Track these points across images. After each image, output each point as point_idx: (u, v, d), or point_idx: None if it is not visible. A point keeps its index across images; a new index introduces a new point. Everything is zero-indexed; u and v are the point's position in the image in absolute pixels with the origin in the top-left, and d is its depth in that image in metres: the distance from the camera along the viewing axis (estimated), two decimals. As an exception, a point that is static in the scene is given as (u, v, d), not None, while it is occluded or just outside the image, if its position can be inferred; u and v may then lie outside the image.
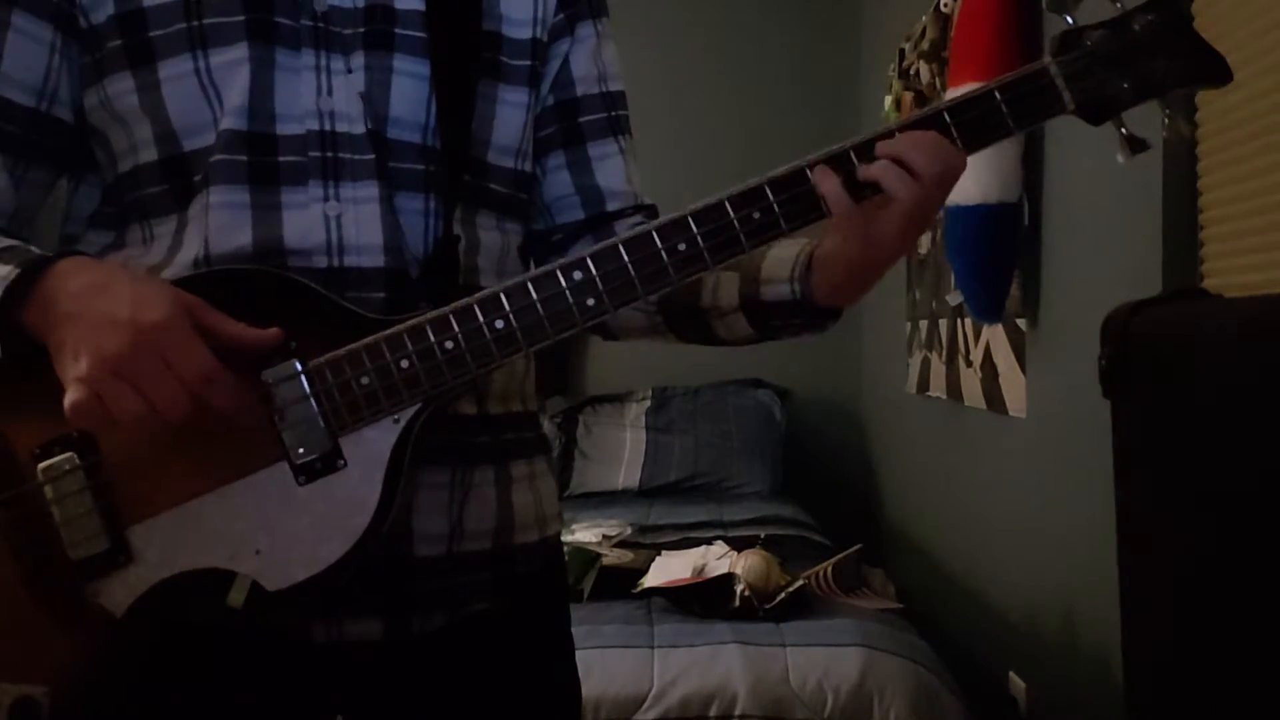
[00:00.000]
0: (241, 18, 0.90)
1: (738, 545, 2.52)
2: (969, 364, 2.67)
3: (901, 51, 3.11)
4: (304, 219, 0.90)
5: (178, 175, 0.91)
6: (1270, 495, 0.86)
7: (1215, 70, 0.87)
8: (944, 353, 2.90)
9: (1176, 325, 1.02)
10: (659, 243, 0.87)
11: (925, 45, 2.77)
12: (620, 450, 3.85)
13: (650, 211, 1.11)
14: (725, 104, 4.17)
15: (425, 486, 0.93)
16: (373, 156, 0.92)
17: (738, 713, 1.96)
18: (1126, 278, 1.80)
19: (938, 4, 2.63)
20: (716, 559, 2.45)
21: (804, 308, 0.96)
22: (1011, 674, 2.42)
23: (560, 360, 4.14)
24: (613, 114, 1.09)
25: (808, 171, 0.87)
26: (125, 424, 0.79)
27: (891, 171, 0.85)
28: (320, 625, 0.92)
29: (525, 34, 1.02)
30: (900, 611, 2.47)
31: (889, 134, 0.87)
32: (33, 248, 0.86)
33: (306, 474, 0.85)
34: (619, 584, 2.45)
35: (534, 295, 0.86)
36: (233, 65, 0.90)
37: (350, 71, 0.93)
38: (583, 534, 2.85)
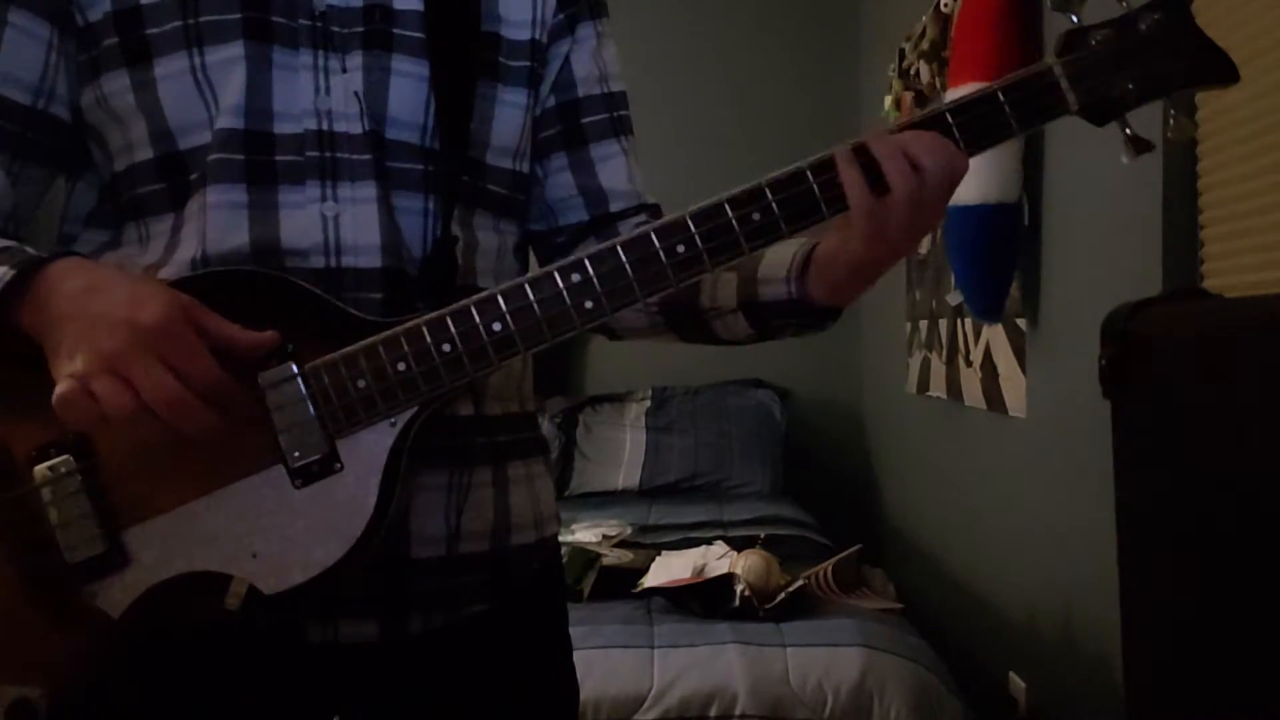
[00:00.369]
0: (238, 16, 0.90)
1: (738, 545, 2.52)
2: (969, 364, 2.67)
3: (901, 51, 3.11)
4: (301, 219, 0.90)
5: (174, 174, 0.91)
6: (1270, 495, 0.86)
7: (1222, 69, 0.86)
8: (944, 353, 2.90)
9: (1176, 325, 1.02)
10: (658, 244, 0.86)
11: (925, 45, 2.77)
12: (620, 450, 3.85)
13: (653, 211, 1.10)
14: (725, 104, 4.17)
15: (423, 488, 0.93)
16: (371, 157, 0.92)
17: (738, 713, 1.96)
18: (1126, 278, 1.79)
19: (938, 4, 2.63)
20: (716, 559, 2.45)
21: (801, 307, 0.95)
22: (1011, 674, 2.42)
23: (560, 360, 4.15)
24: (614, 114, 1.09)
25: (808, 172, 0.86)
26: (116, 420, 0.78)
27: (896, 160, 0.84)
28: (316, 626, 0.92)
29: (524, 35, 1.02)
30: (900, 611, 2.47)
31: (891, 133, 0.87)
32: (28, 248, 0.85)
33: (303, 477, 0.84)
34: (619, 584, 2.45)
35: (531, 297, 0.85)
36: (228, 64, 0.89)
37: (348, 71, 0.93)
38: (583, 534, 2.85)
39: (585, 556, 2.53)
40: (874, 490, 4.01)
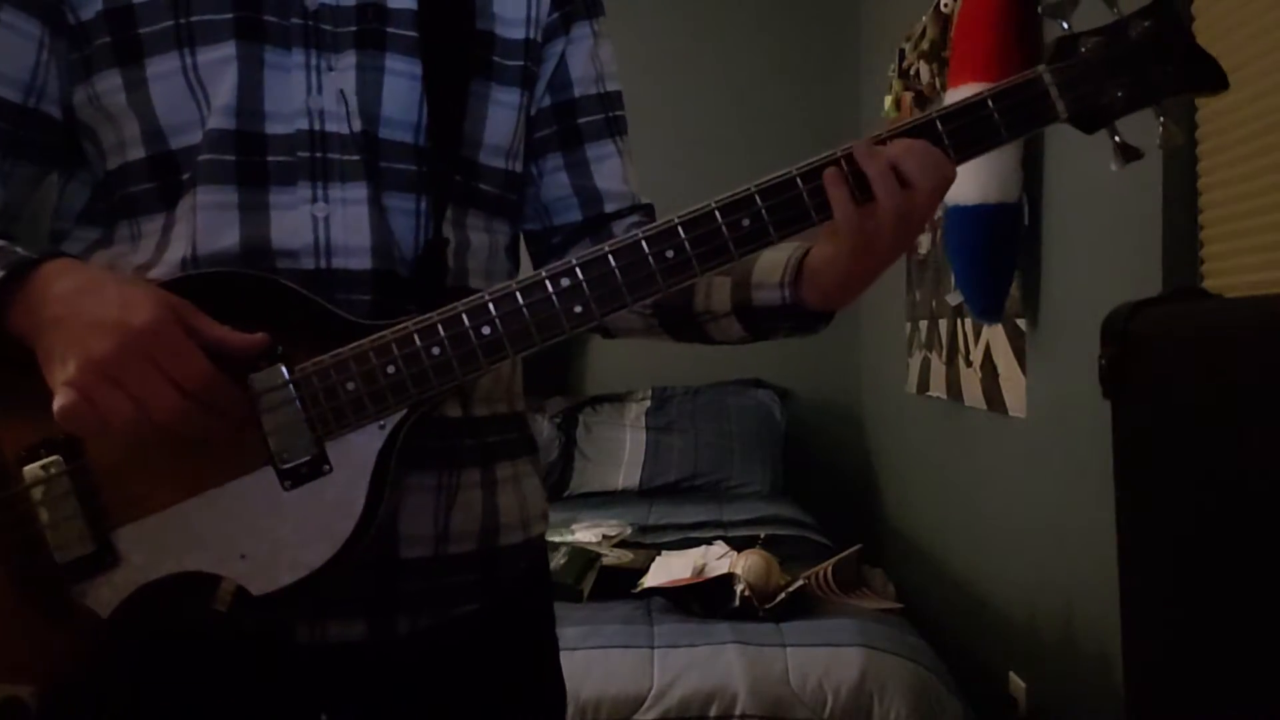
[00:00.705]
0: (230, 15, 0.89)
1: (738, 545, 2.52)
2: (969, 364, 2.67)
3: (901, 51, 3.10)
4: (291, 220, 0.90)
5: (165, 173, 0.91)
6: (1271, 495, 0.86)
7: (1212, 77, 0.86)
8: (944, 353, 2.90)
9: (1176, 325, 1.02)
10: (647, 250, 0.86)
11: (925, 45, 2.76)
12: (620, 450, 3.85)
13: (648, 211, 1.10)
14: (725, 104, 4.17)
15: (412, 489, 0.93)
16: (362, 157, 0.92)
17: (738, 713, 1.96)
18: (1126, 278, 1.79)
19: (938, 4, 2.63)
20: (716, 559, 2.45)
21: (795, 312, 0.96)
22: (1011, 674, 2.42)
23: (560, 360, 4.14)
24: (610, 115, 1.09)
25: (798, 179, 0.87)
26: (116, 429, 0.78)
27: (885, 177, 0.85)
28: (304, 626, 0.92)
29: (519, 34, 1.01)
30: (900, 611, 2.46)
31: (880, 141, 0.87)
32: (19, 247, 0.85)
33: (292, 479, 0.84)
34: (619, 584, 2.44)
35: (521, 302, 0.86)
36: (220, 64, 0.89)
37: (339, 70, 0.92)
38: (583, 534, 2.85)
39: (585, 556, 2.53)
40: (874, 490, 4.01)
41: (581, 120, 1.07)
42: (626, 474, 3.79)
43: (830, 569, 2.54)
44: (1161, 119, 0.88)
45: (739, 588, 2.24)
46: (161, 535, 0.84)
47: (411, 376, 0.85)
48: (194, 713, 0.92)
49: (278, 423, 0.84)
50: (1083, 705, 2.05)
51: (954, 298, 2.63)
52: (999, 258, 2.21)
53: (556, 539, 2.73)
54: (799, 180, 0.86)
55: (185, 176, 0.90)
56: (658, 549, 2.69)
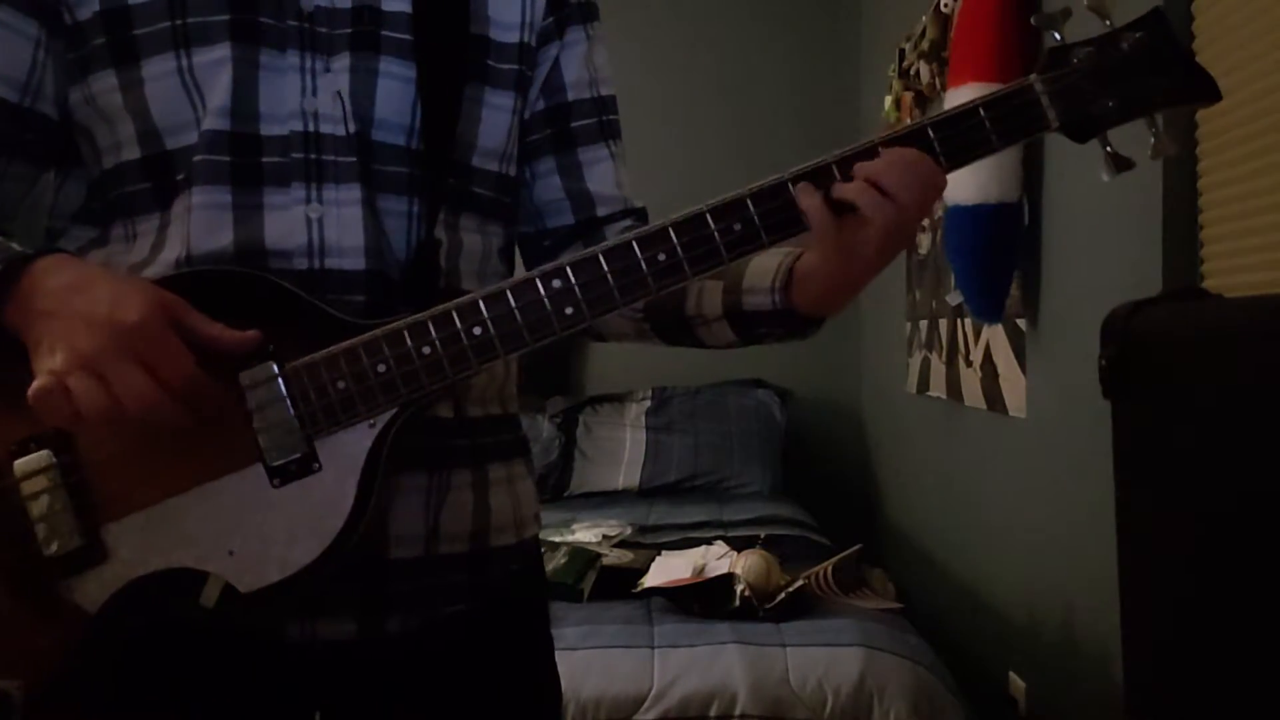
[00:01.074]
0: (225, 17, 0.90)
1: (738, 545, 2.52)
2: (969, 364, 2.67)
3: (901, 51, 3.10)
4: (285, 221, 0.90)
5: (160, 174, 0.91)
6: (1271, 496, 0.86)
7: (1203, 89, 0.87)
8: (944, 353, 2.90)
9: (1176, 325, 1.02)
10: (639, 253, 0.86)
11: (925, 45, 2.76)
12: (620, 450, 3.85)
13: (640, 215, 1.10)
14: (724, 104, 4.16)
15: (402, 489, 0.93)
16: (356, 159, 0.92)
17: (738, 713, 1.96)
18: (1126, 278, 1.79)
19: (938, 4, 2.63)
20: (716, 559, 2.45)
21: (785, 317, 0.96)
22: (1011, 674, 2.42)
23: (560, 360, 4.14)
24: (603, 119, 1.09)
25: (789, 185, 0.87)
26: (90, 420, 0.78)
27: (868, 194, 0.85)
28: (295, 624, 0.92)
29: (513, 38, 1.01)
30: (900, 611, 2.46)
31: (872, 149, 0.87)
32: (14, 244, 0.85)
33: (281, 476, 0.85)
34: (619, 584, 2.44)
35: (512, 303, 0.86)
36: (215, 65, 0.89)
37: (334, 72, 0.92)
38: (583, 534, 2.84)
39: (585, 556, 2.53)
40: (874, 490, 4.00)
41: (575, 124, 1.07)
42: (626, 474, 3.79)
43: (830, 569, 2.54)
44: (1154, 130, 0.88)
45: (739, 588, 2.24)
46: (150, 531, 0.85)
47: (402, 375, 0.85)
48: (184, 710, 0.92)
49: (268, 420, 0.84)
50: (1083, 705, 2.05)
51: (954, 298, 2.63)
52: (999, 258, 2.21)
53: (556, 539, 2.73)
54: (791, 185, 0.87)
55: (180, 177, 0.90)
56: (658, 549, 2.69)
